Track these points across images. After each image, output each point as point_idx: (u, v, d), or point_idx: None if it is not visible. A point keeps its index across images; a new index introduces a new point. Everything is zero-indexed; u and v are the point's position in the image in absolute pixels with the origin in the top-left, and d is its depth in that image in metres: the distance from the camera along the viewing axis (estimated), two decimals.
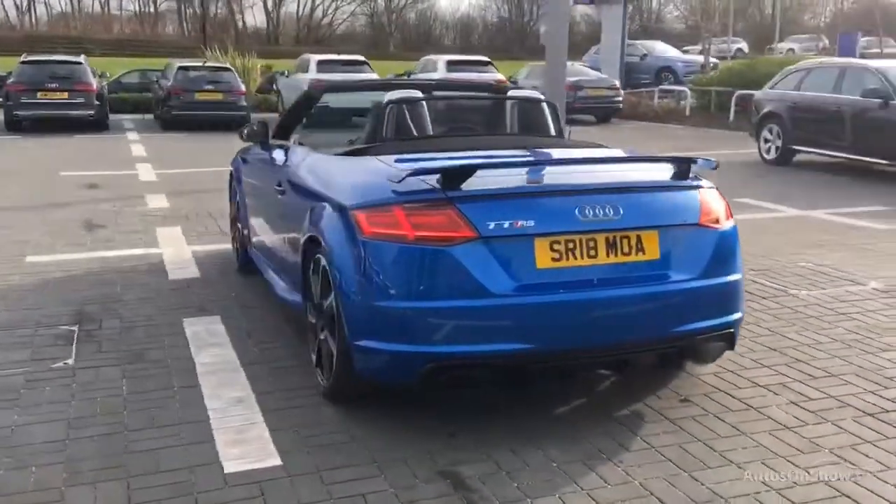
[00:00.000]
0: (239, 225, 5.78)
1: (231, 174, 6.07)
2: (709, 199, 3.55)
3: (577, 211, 3.22)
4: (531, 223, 3.17)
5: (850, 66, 11.83)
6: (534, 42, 64.22)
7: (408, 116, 4.20)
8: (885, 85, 10.68)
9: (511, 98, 4.53)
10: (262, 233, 5.07)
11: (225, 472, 3.04)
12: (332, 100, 5.59)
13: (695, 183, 3.56)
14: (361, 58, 20.32)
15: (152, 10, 69.38)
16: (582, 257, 3.23)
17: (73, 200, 9.06)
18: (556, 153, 3.87)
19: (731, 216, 3.63)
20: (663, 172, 3.56)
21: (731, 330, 3.52)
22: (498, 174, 3.32)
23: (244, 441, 3.28)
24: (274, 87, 21.45)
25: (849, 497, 2.88)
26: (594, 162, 3.71)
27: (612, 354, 3.33)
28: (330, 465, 3.08)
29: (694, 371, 3.97)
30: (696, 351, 3.46)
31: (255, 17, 70.88)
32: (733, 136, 16.78)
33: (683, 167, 3.53)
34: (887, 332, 4.63)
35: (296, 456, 3.16)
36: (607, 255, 3.27)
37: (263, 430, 3.37)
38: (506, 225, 3.15)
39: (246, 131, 5.16)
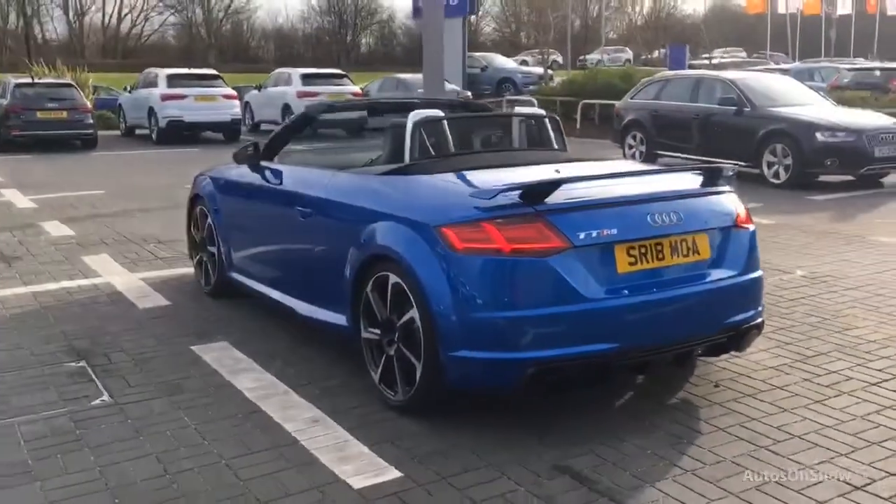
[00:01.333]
0: (212, 249, 5.66)
1: (194, 199, 5.93)
2: (737, 202, 3.98)
3: (648, 218, 3.55)
4: (614, 231, 3.46)
5: (705, 77, 12.99)
6: (358, 54, 64.65)
7: (433, 136, 4.37)
8: (739, 94, 11.83)
9: (518, 115, 4.80)
10: (264, 256, 5.04)
11: (355, 488, 3.12)
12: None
13: (728, 188, 3.98)
14: (213, 71, 19.80)
15: None
16: (652, 260, 3.56)
17: None
18: (608, 167, 4.17)
19: (751, 218, 4.08)
20: (700, 180, 3.94)
21: (762, 319, 3.97)
22: (575, 188, 3.57)
23: (350, 458, 3.35)
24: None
25: None
26: (646, 174, 4.04)
27: (681, 347, 3.67)
28: (450, 472, 3.22)
29: (706, 359, 4.38)
30: (741, 339, 3.87)
31: (55, 28, 66.14)
32: (585, 142, 17.76)
33: (716, 174, 3.94)
34: (839, 314, 5.28)
35: (411, 467, 3.27)
36: (671, 257, 3.61)
37: (361, 447, 3.45)
38: (594, 234, 3.42)
39: (242, 153, 5.12)
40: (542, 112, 4.89)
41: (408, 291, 3.60)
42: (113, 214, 9.40)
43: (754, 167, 11.51)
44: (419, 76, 23.78)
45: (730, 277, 3.77)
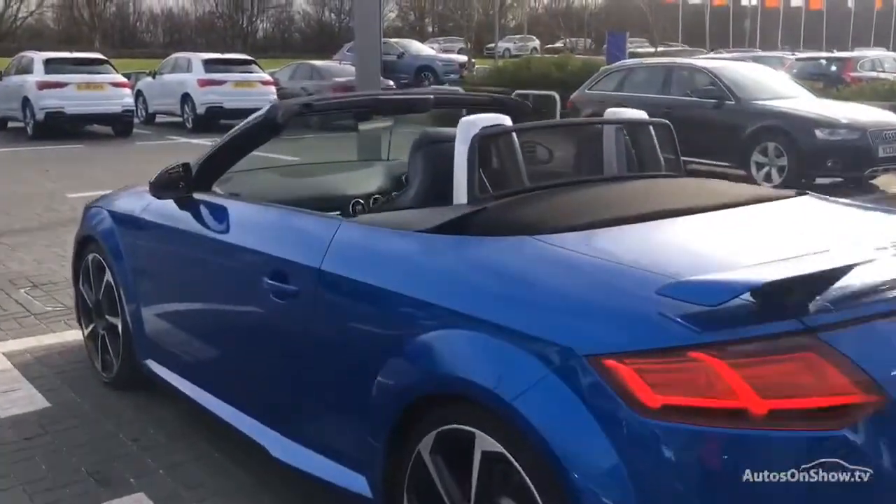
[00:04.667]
0: (114, 321, 3.73)
1: (84, 242, 3.97)
2: None
3: None
4: None
5: (676, 66, 11.57)
6: (255, 40, 61.28)
7: (500, 159, 2.61)
8: (720, 85, 10.44)
9: (613, 122, 3.06)
10: (204, 347, 3.18)
11: None
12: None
13: None
14: (100, 56, 17.27)
15: None
16: None
17: None
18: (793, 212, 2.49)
19: None
20: None
21: None
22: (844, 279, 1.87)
23: None
24: None
25: None
26: None
27: None
28: None
29: None
30: None
31: None
32: None
33: None
34: None
35: None
36: None
37: None
38: None
39: (165, 179, 3.19)
40: (643, 117, 3.19)
41: (526, 480, 1.84)
42: None
43: (739, 168, 10.16)
44: (333, 63, 21.82)
45: None
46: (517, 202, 2.45)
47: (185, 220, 3.20)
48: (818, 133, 9.48)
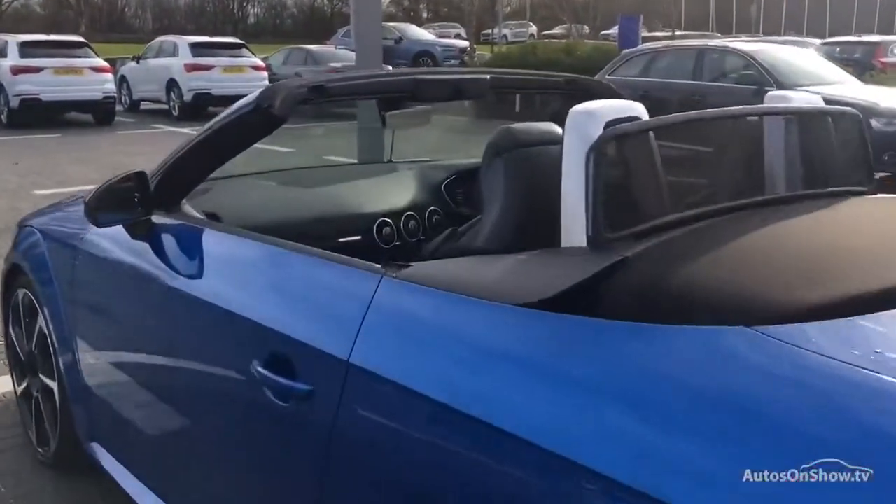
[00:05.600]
0: (49, 383, 2.74)
1: (12, 273, 2.97)
2: None
3: None
4: None
5: (708, 49, 10.58)
6: (246, 26, 59.94)
7: (630, 173, 1.62)
8: (759, 70, 9.47)
9: (781, 112, 2.06)
10: (176, 447, 2.19)
11: None
12: None
13: None
14: (79, 38, 16.18)
15: None
16: None
17: None
18: None
19: None
20: None
21: None
22: None
23: None
24: None
25: None
26: None
27: None
28: None
29: None
30: None
31: None
32: None
33: None
34: None
35: None
36: None
37: None
38: None
39: (108, 195, 2.16)
40: (819, 105, 2.19)
41: None
42: None
43: None
44: (328, 48, 20.73)
45: None
46: (678, 249, 1.45)
47: (140, 253, 2.19)
48: (875, 123, 8.50)
